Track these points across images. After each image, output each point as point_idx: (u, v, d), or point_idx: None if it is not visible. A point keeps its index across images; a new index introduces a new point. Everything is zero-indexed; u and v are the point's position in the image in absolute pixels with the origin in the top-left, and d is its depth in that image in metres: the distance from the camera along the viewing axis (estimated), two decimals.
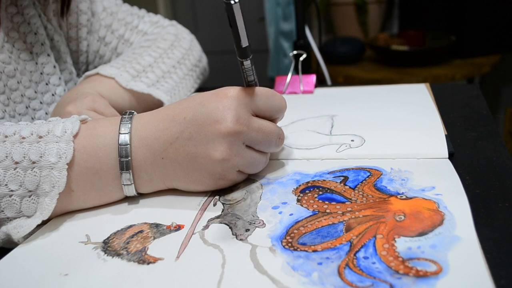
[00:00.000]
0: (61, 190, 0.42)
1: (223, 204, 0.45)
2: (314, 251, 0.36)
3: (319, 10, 1.02)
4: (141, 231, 0.42)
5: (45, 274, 0.38)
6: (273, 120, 0.48)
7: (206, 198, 0.47)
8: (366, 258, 0.35)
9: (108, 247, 0.40)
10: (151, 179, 0.46)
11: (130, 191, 0.46)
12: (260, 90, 0.46)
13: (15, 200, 0.42)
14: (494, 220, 0.38)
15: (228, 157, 0.43)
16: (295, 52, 0.80)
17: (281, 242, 0.38)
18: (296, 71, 0.78)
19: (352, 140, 0.55)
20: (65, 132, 0.43)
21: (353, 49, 1.72)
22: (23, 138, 0.43)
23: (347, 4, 1.85)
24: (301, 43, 0.87)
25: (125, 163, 0.44)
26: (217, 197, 0.47)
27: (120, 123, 0.45)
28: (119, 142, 0.44)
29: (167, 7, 2.39)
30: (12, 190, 0.41)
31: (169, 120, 0.45)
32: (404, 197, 0.42)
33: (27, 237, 0.43)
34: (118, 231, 0.43)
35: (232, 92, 0.44)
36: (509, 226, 0.37)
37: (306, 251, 0.36)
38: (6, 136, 0.43)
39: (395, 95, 0.69)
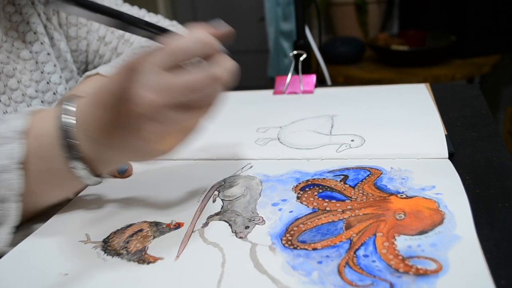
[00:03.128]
0: (21, 191, 0.41)
1: (222, 200, 0.45)
2: (314, 249, 0.36)
3: (319, 10, 1.02)
4: (140, 230, 0.42)
5: (45, 274, 0.37)
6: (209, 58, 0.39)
7: (205, 194, 0.47)
8: (366, 256, 0.35)
9: (108, 246, 0.40)
10: (103, 161, 0.44)
11: (91, 181, 0.44)
12: (167, 44, 0.38)
13: None
14: (494, 220, 0.38)
15: (165, 132, 0.39)
16: (295, 52, 0.80)
17: (281, 240, 0.38)
18: (296, 71, 0.78)
19: (352, 140, 0.55)
20: (13, 131, 0.42)
21: (353, 49, 1.72)
22: None
23: (347, 4, 1.85)
24: (301, 43, 0.87)
25: (73, 157, 0.42)
26: (216, 193, 0.47)
27: (61, 117, 0.42)
28: (62, 139, 0.42)
29: (167, 7, 2.39)
30: None
31: (100, 106, 0.41)
32: (404, 196, 0.42)
33: (15, 243, 0.42)
34: (118, 230, 0.43)
35: (137, 63, 0.38)
36: (509, 226, 0.37)
37: (306, 249, 0.36)
38: None
39: (395, 95, 0.69)
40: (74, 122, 0.42)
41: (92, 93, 0.43)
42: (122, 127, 0.40)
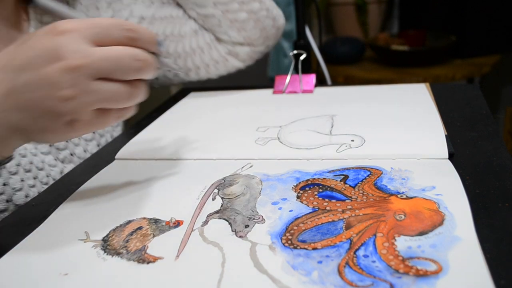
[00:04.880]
0: None
1: (222, 198, 0.45)
2: (314, 248, 0.36)
3: (319, 10, 1.02)
4: (140, 228, 0.42)
5: (45, 274, 0.37)
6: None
7: (204, 192, 0.47)
8: (366, 256, 0.35)
9: (107, 245, 0.40)
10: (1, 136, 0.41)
11: None
12: (100, 20, 0.41)
13: None
14: (494, 220, 0.38)
15: (74, 95, 0.39)
16: (295, 51, 0.80)
17: (281, 239, 0.38)
18: (296, 71, 0.78)
19: (352, 140, 0.55)
20: None
21: (353, 49, 1.72)
22: None
23: (347, 4, 1.85)
24: (301, 43, 0.87)
25: None
26: (215, 191, 0.47)
27: None
28: None
29: None
30: None
31: None
32: (404, 196, 0.42)
33: None
34: (117, 227, 0.42)
35: (64, 26, 0.39)
36: (509, 226, 0.37)
37: (306, 249, 0.36)
38: None
39: (395, 95, 0.69)
40: None
41: None
42: (35, 85, 0.39)
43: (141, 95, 0.43)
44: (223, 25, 0.76)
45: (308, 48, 0.88)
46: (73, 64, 0.38)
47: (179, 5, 0.77)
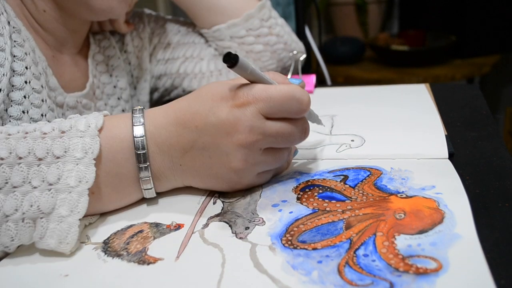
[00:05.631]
0: (90, 185, 0.40)
1: (222, 202, 0.45)
2: (314, 249, 0.36)
3: (319, 10, 1.02)
4: (141, 231, 0.42)
5: (45, 275, 0.37)
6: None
7: (205, 196, 0.47)
8: (366, 255, 0.35)
9: (108, 247, 0.40)
10: (169, 180, 0.46)
11: (150, 193, 0.46)
12: (275, 94, 0.42)
13: (36, 194, 0.39)
14: (494, 220, 0.38)
15: (244, 167, 0.43)
16: (295, 52, 0.80)
17: (281, 240, 0.38)
18: (296, 71, 0.78)
19: (352, 140, 0.55)
20: (89, 126, 0.42)
21: (353, 49, 1.72)
22: (45, 133, 0.41)
23: (347, 4, 1.85)
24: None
25: (143, 168, 0.43)
26: (216, 195, 0.47)
27: (133, 126, 0.44)
28: (136, 149, 0.43)
29: (167, 6, 2.39)
30: (35, 187, 0.39)
31: (182, 125, 0.43)
32: (404, 195, 0.42)
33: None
34: (118, 231, 0.43)
35: (244, 99, 0.42)
36: (509, 226, 0.37)
37: (306, 249, 0.36)
38: (26, 133, 0.41)
39: (395, 95, 0.69)
40: (148, 133, 0.44)
41: (171, 110, 0.45)
42: (210, 151, 0.43)
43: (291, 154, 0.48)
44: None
45: (308, 48, 0.88)
46: (248, 141, 0.42)
47: (201, 34, 0.80)
